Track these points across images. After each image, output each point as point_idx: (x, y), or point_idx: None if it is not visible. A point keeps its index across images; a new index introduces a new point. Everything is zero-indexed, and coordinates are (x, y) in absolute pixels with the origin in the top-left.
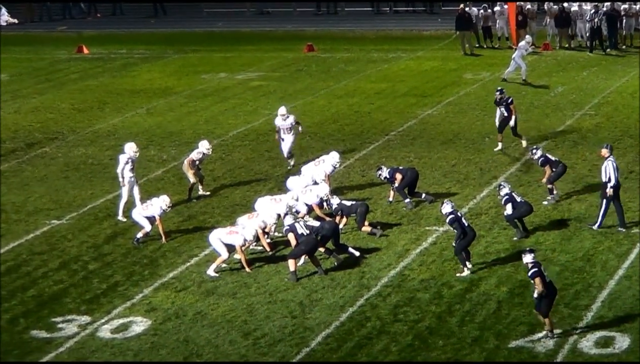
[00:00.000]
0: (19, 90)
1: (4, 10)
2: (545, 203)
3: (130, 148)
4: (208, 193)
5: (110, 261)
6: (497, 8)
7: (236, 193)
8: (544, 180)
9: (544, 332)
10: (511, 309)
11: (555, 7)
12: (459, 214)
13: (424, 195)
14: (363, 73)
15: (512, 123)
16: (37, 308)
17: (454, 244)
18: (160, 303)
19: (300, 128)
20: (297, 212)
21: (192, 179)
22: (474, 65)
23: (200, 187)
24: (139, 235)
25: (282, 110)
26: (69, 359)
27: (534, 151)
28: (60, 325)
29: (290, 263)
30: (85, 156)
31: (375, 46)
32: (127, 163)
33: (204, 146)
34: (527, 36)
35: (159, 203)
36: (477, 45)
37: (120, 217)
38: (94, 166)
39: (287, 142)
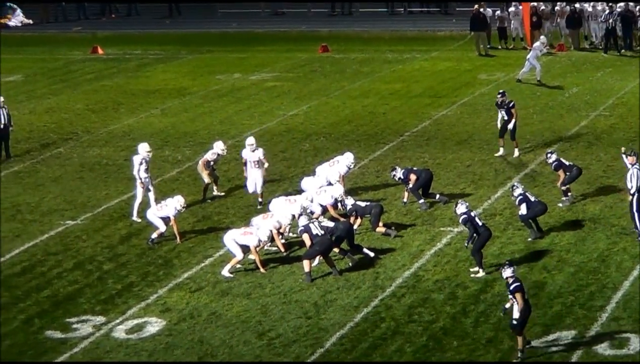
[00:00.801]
0: (33, 91)
1: (19, 10)
2: (560, 205)
3: (144, 149)
4: (222, 193)
5: (125, 262)
6: (511, 9)
7: (250, 193)
8: (558, 184)
9: (519, 350)
10: None
11: (567, 7)
12: (472, 214)
13: (438, 196)
14: (377, 74)
15: (510, 126)
16: (51, 309)
17: (465, 244)
18: (175, 303)
19: (266, 166)
20: (312, 213)
21: (206, 180)
22: (488, 66)
23: (214, 188)
24: (154, 235)
25: (250, 140)
26: (84, 359)
27: (549, 155)
28: (74, 325)
29: (305, 263)
30: (100, 156)
31: (389, 47)
32: (141, 164)
33: (218, 147)
34: (541, 37)
35: (174, 204)
36: (489, 46)
37: (134, 218)
38: (108, 166)
39: (253, 177)
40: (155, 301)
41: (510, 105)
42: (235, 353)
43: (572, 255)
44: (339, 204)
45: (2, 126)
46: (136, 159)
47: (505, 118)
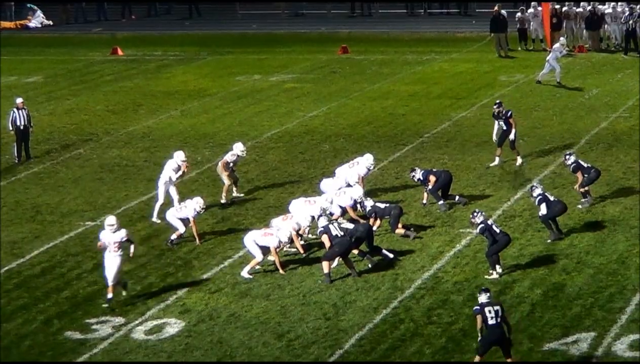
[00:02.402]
0: (53, 92)
1: (39, 12)
2: (579, 207)
3: (178, 157)
4: (242, 195)
5: (144, 263)
6: (530, 10)
7: (270, 195)
8: (577, 186)
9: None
10: (545, 311)
11: (588, 8)
12: (489, 222)
13: (457, 198)
14: (397, 76)
15: (511, 136)
16: (71, 309)
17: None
18: (194, 304)
19: (132, 251)
20: (331, 214)
21: (226, 181)
22: (508, 68)
23: (234, 189)
24: (173, 236)
25: (111, 220)
26: (103, 360)
27: (567, 156)
28: (94, 326)
29: (324, 265)
30: (120, 158)
31: (409, 48)
32: (174, 170)
33: (238, 148)
34: (561, 38)
35: (193, 205)
36: (508, 47)
37: (154, 219)
38: (128, 168)
39: (112, 265)
40: (174, 302)
41: (508, 115)
42: (254, 354)
43: (591, 256)
44: (358, 205)
45: (22, 127)
46: (170, 164)
47: (504, 128)
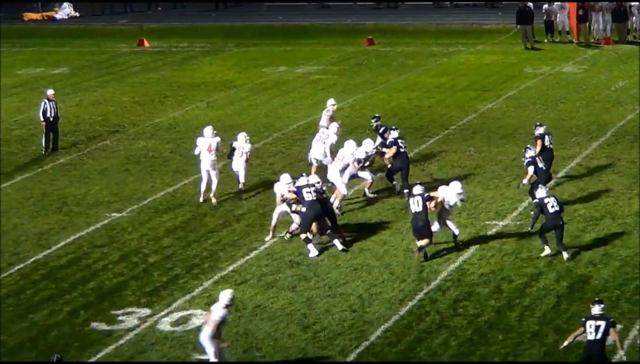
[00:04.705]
0: (80, 83)
1: (66, 3)
2: (520, 186)
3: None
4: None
5: (170, 254)
6: (557, 2)
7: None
8: (525, 179)
9: None
10: (571, 304)
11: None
12: (545, 201)
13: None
14: (423, 67)
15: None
16: (97, 301)
17: (529, 228)
18: None
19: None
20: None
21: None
22: (534, 60)
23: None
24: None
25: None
26: (129, 351)
27: (526, 150)
28: (120, 318)
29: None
30: (146, 149)
31: (435, 40)
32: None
33: (242, 138)
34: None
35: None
36: (535, 39)
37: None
38: (154, 159)
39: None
40: (200, 293)
41: (382, 131)
42: (279, 346)
43: (617, 248)
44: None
45: (51, 119)
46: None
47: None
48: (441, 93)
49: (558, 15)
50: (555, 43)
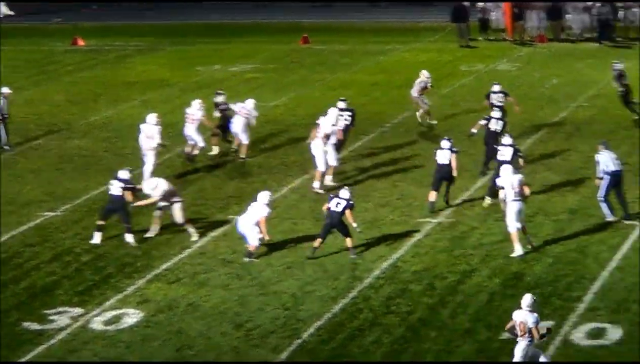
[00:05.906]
0: (14, 82)
1: (1, 3)
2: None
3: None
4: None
5: (103, 253)
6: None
7: (230, 185)
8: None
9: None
10: (503, 300)
11: None
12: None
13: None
14: (358, 65)
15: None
16: (29, 300)
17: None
18: (153, 295)
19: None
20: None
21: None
22: (469, 57)
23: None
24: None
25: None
26: (61, 350)
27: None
28: (52, 317)
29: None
30: (79, 148)
31: (370, 38)
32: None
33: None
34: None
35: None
36: (469, 37)
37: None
38: (88, 158)
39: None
40: (133, 292)
41: (228, 107)
42: (212, 344)
43: (551, 245)
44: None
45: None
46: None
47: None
48: (376, 91)
49: (493, 13)
50: (490, 41)
